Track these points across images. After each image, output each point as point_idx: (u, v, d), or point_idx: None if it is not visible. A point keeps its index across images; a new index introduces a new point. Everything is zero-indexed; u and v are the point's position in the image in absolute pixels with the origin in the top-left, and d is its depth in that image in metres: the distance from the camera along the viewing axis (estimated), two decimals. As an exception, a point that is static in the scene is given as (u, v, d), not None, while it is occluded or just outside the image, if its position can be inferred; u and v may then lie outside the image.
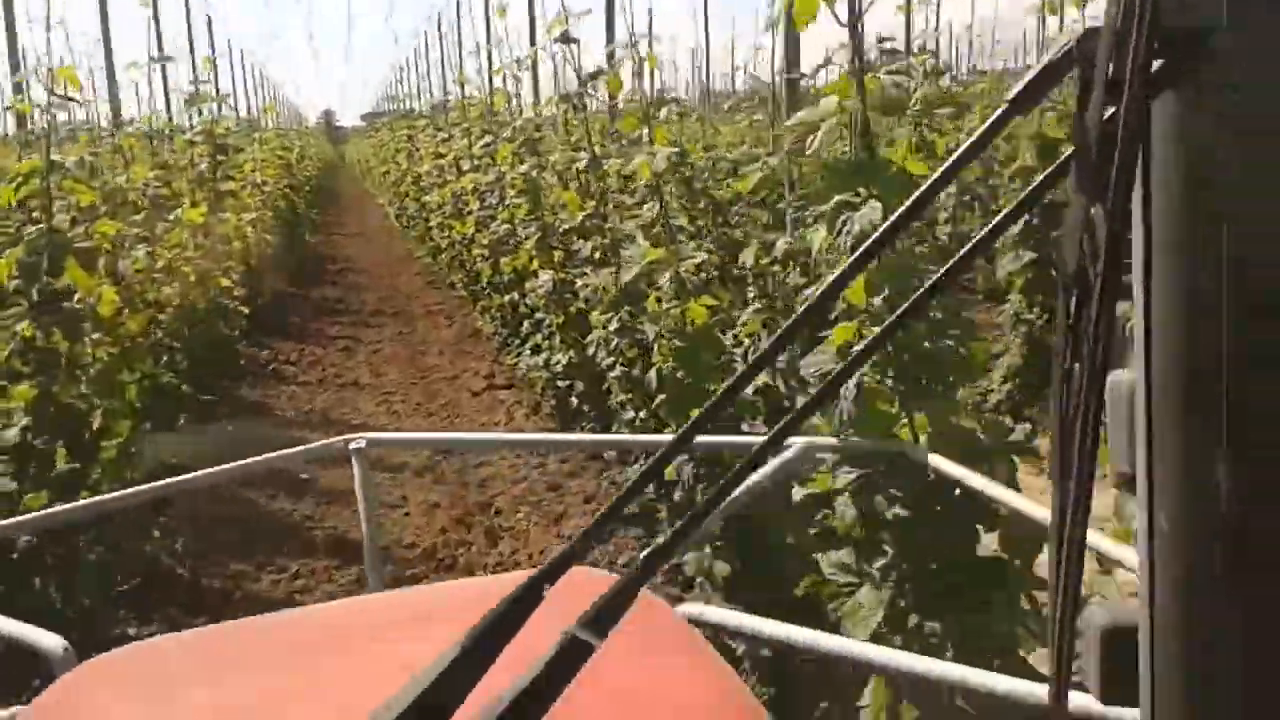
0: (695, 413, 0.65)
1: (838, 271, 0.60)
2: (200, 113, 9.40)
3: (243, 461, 2.04)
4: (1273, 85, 0.52)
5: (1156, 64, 0.53)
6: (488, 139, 8.72)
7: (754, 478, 1.73)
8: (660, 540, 0.64)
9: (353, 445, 1.94)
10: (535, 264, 6.80)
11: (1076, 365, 0.58)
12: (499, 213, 8.08)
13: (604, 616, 0.56)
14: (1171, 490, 0.60)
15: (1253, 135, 0.52)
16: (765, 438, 0.67)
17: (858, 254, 0.59)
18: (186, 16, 16.67)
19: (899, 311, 0.59)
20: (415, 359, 9.19)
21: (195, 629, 1.27)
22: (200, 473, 2.22)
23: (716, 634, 1.34)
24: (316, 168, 30.28)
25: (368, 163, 29.55)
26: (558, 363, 6.27)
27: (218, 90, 11.01)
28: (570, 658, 0.52)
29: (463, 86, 11.62)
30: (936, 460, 1.86)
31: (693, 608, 1.32)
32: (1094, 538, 1.49)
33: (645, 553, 0.63)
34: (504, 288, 8.14)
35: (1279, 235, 0.55)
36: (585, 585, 0.59)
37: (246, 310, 8.74)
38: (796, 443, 1.85)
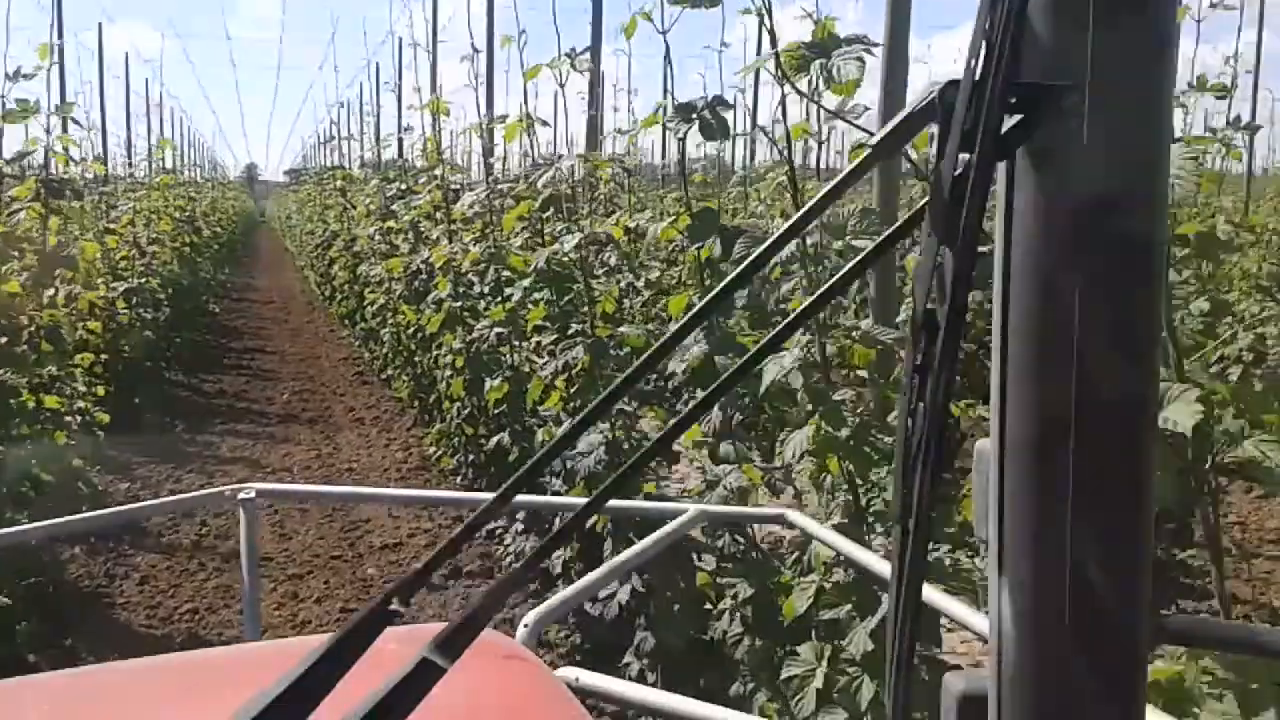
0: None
1: (676, 325, 0.65)
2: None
3: (126, 507, 2.03)
4: (1121, 148, 0.58)
5: (1014, 119, 0.59)
6: (474, 197, 6.87)
7: (647, 541, 1.80)
8: (499, 579, 0.66)
9: (241, 495, 1.94)
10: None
11: (920, 404, 0.62)
12: (499, 309, 6.03)
13: (455, 641, 0.58)
14: (1021, 551, 0.64)
15: (1102, 191, 0.58)
16: (587, 499, 0.70)
17: (696, 308, 0.64)
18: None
19: (743, 360, 0.63)
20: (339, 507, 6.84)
21: None
22: (76, 517, 2.22)
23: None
24: (232, 223, 29.63)
25: (289, 220, 29.05)
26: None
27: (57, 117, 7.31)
28: (419, 680, 0.54)
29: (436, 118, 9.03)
30: (799, 519, 1.96)
31: (569, 672, 1.34)
32: (943, 599, 1.58)
33: (487, 588, 0.65)
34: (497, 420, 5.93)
35: (1121, 300, 0.61)
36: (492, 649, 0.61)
37: (104, 418, 6.80)
38: (689, 508, 1.91)
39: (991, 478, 0.69)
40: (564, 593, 1.72)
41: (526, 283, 5.72)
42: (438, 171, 8.23)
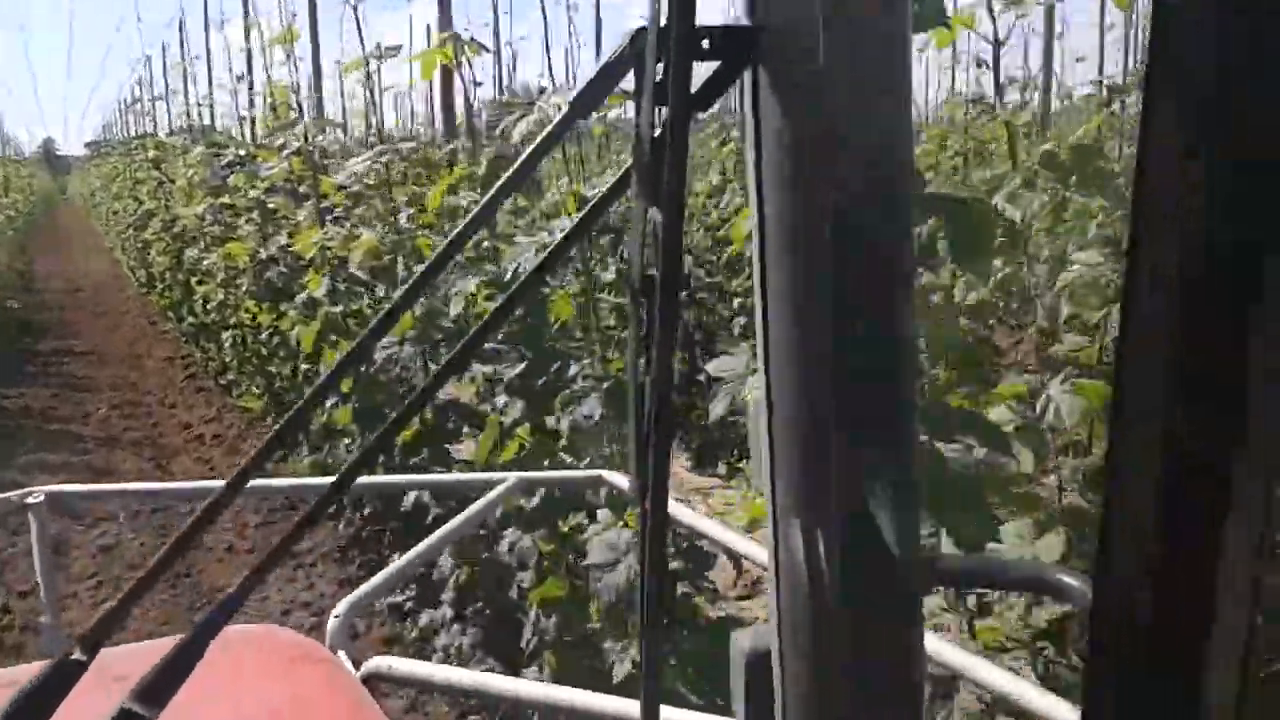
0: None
1: (410, 282, 0.62)
2: None
3: None
4: (853, 92, 0.56)
5: (711, 65, 0.57)
6: (364, 161, 5.34)
7: (463, 516, 1.79)
8: (226, 595, 0.63)
9: (29, 500, 1.87)
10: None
11: (647, 377, 0.61)
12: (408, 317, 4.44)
13: (158, 686, 0.55)
14: (794, 499, 0.65)
15: (846, 124, 0.57)
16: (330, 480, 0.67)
17: (422, 270, 0.61)
18: None
19: (471, 333, 0.61)
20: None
21: None
22: None
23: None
24: (29, 203, 27.78)
25: (94, 197, 27.29)
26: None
27: None
28: None
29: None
30: (617, 479, 2.01)
31: (381, 661, 1.33)
32: (749, 545, 1.67)
33: (202, 617, 0.62)
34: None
35: (872, 239, 0.60)
36: (265, 643, 0.58)
37: None
38: (509, 477, 1.90)
39: (762, 426, 0.69)
40: (376, 578, 1.70)
41: (471, 285, 4.07)
42: (297, 130, 6.42)
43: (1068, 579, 0.84)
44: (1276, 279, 0.34)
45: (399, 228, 5.20)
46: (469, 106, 7.03)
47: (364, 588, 1.68)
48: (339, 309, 5.44)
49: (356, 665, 1.38)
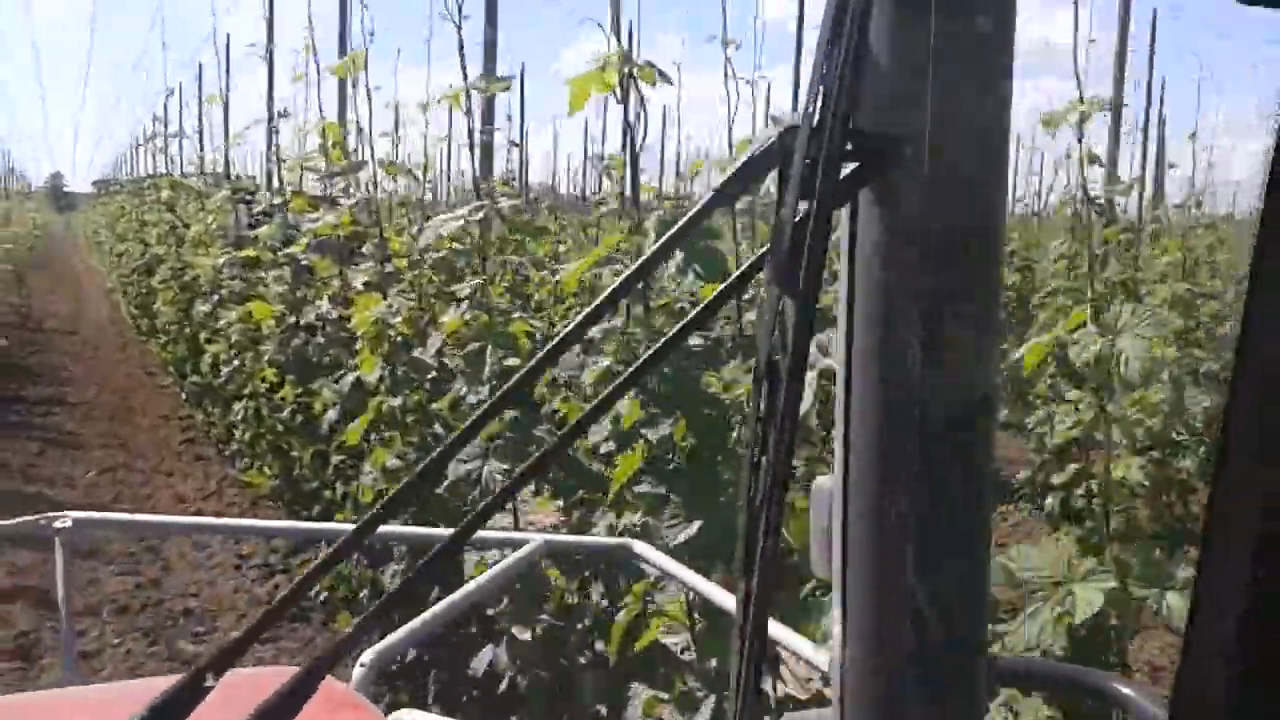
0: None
1: (534, 360, 0.66)
2: None
3: None
4: (955, 193, 0.60)
5: (852, 165, 0.61)
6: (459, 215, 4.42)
7: (488, 575, 1.81)
8: (338, 639, 0.66)
9: (57, 524, 1.89)
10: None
11: (764, 457, 0.64)
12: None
13: (273, 715, 0.57)
14: (865, 592, 0.67)
15: (942, 234, 0.61)
16: (453, 530, 0.70)
17: (551, 344, 0.64)
18: None
19: (595, 402, 0.64)
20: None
21: None
22: None
23: None
24: (31, 238, 27.88)
25: (98, 235, 27.21)
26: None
27: None
28: None
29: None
30: (644, 550, 2.01)
31: (403, 715, 1.34)
32: (787, 634, 1.67)
33: (319, 654, 0.64)
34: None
35: (965, 349, 0.63)
36: (271, 686, 0.60)
37: None
38: (534, 539, 1.92)
39: (835, 515, 0.71)
40: (403, 630, 1.70)
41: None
42: (363, 175, 5.55)
43: (1138, 696, 0.85)
44: None
45: (491, 306, 4.26)
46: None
47: (391, 638, 1.68)
48: (397, 401, 4.62)
49: (383, 715, 1.39)
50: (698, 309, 0.68)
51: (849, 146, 0.65)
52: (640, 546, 2.24)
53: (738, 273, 0.69)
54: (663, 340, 0.69)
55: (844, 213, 0.70)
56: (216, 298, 8.36)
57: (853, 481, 0.70)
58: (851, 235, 0.68)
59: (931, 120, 0.64)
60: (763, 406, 0.67)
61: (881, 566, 0.70)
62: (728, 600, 2.07)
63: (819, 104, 0.62)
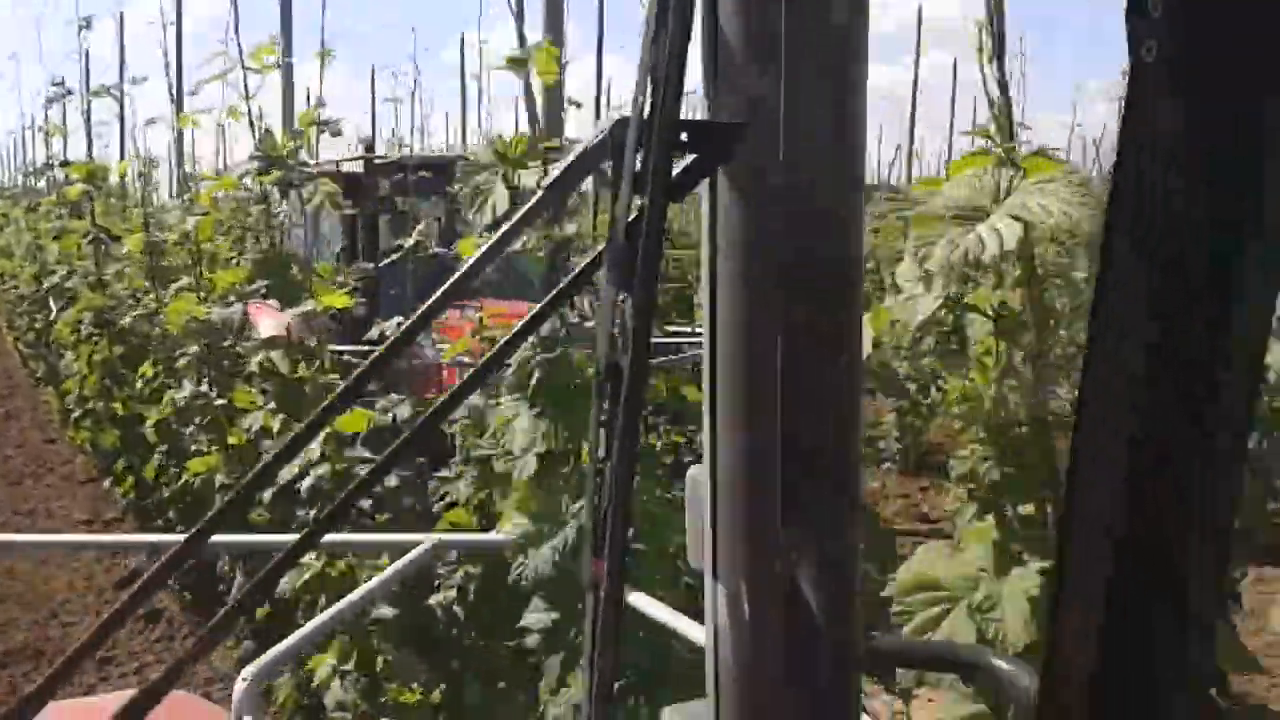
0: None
1: (368, 361, 0.64)
2: None
3: None
4: (816, 178, 0.60)
5: (689, 158, 0.60)
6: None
7: (375, 581, 1.80)
8: (175, 661, 0.64)
9: None
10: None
11: (609, 461, 0.63)
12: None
13: None
14: (736, 576, 0.67)
15: (800, 221, 0.61)
16: (298, 537, 0.69)
17: (391, 340, 0.63)
18: None
19: (433, 408, 0.63)
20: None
21: None
22: None
23: None
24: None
25: None
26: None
27: None
28: None
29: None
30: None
31: None
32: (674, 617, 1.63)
33: (157, 677, 0.62)
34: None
35: (826, 335, 0.63)
36: (184, 713, 0.58)
37: None
38: (426, 540, 1.90)
39: (705, 503, 0.72)
40: (284, 643, 1.66)
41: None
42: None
43: (1012, 668, 0.87)
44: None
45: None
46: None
47: (272, 652, 1.64)
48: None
49: None
50: (535, 309, 0.67)
51: (684, 138, 0.64)
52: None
53: (575, 271, 0.68)
54: (502, 342, 0.68)
55: (704, 203, 0.70)
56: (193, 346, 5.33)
57: (720, 467, 0.70)
58: (711, 226, 0.68)
59: (786, 107, 0.64)
60: (604, 411, 0.66)
61: (752, 554, 0.70)
62: (674, 618, 2.07)
63: (647, 96, 0.62)
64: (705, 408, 0.71)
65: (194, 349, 5.28)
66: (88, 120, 13.48)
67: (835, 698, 0.71)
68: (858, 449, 0.71)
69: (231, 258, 6.36)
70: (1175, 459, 0.43)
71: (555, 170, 0.65)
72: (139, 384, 6.39)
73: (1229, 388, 0.43)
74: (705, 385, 0.70)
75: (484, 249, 0.67)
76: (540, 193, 0.66)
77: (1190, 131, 0.41)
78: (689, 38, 0.61)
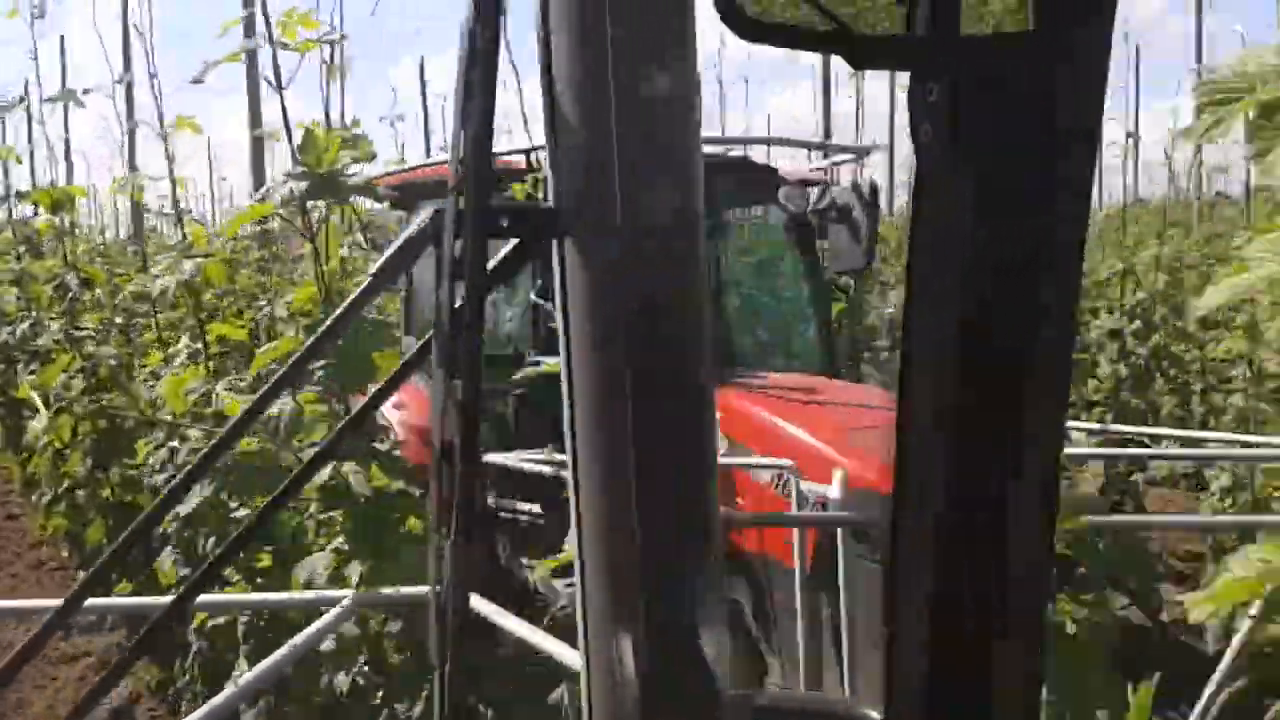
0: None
1: (218, 438, 0.65)
2: None
3: None
4: (651, 251, 0.62)
5: (513, 242, 0.62)
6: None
7: (296, 641, 1.76)
8: None
9: None
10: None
11: (448, 540, 0.65)
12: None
13: None
14: (606, 611, 0.69)
15: (643, 293, 0.63)
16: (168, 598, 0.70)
17: (232, 423, 0.64)
18: None
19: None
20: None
21: None
22: None
23: None
24: None
25: None
26: None
27: None
28: None
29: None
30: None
31: None
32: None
33: None
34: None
35: (680, 407, 0.66)
36: None
37: None
38: (345, 597, 1.88)
39: (577, 567, 0.74)
40: (202, 709, 1.63)
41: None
42: None
43: (864, 712, 0.90)
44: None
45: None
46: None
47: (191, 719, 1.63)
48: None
49: None
50: (375, 390, 0.69)
51: (505, 223, 0.66)
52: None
53: (404, 360, 0.70)
54: (346, 420, 0.70)
55: (554, 269, 0.72)
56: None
57: (583, 499, 0.72)
58: (561, 286, 0.70)
59: (621, 184, 0.66)
60: (443, 486, 0.68)
61: (617, 577, 0.72)
62: (550, 644, 2.10)
63: (460, 185, 0.63)
64: (568, 451, 0.73)
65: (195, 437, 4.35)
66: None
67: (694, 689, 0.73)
68: (712, 488, 0.74)
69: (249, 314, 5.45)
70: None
71: (380, 259, 0.67)
72: (132, 468, 5.41)
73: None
74: (566, 429, 0.73)
75: (318, 333, 0.68)
76: (367, 280, 0.68)
77: (963, 200, 0.45)
78: (492, 127, 0.62)
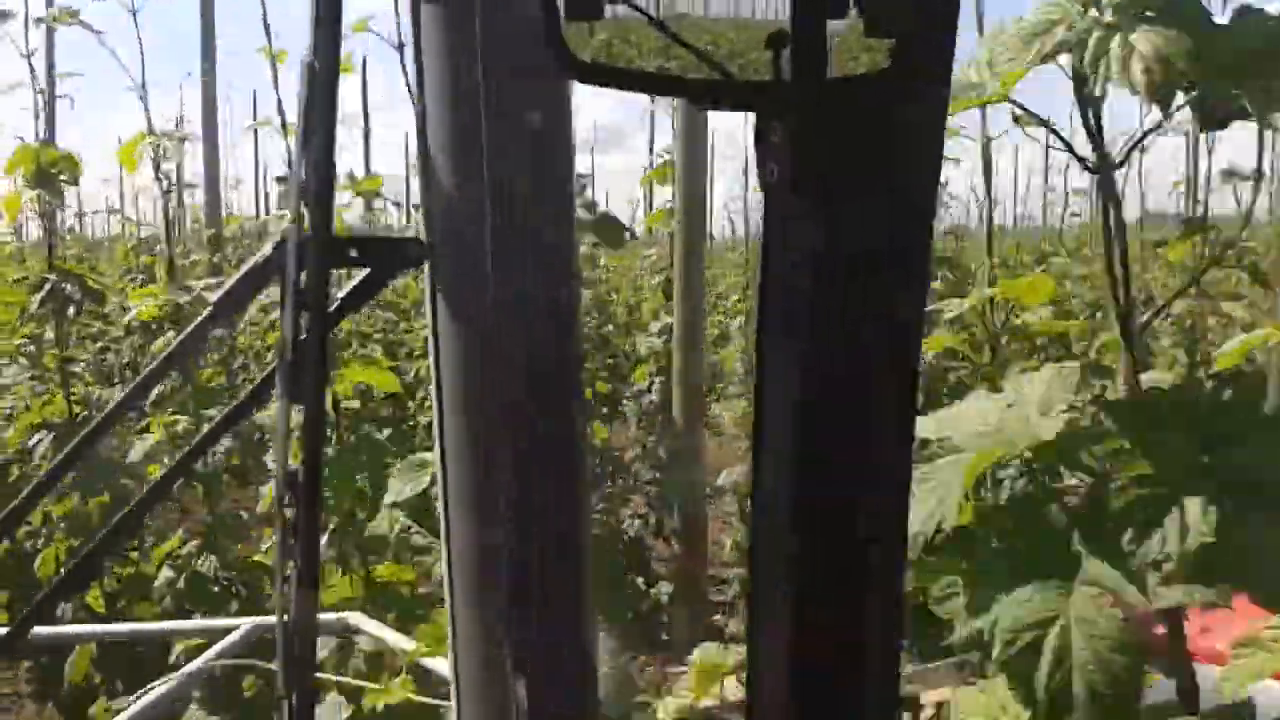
0: None
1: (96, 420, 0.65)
2: None
3: None
4: (523, 277, 0.64)
5: (362, 272, 0.63)
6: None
7: (195, 664, 1.71)
8: None
9: None
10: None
11: (294, 567, 0.65)
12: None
13: None
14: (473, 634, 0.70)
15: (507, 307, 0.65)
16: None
17: (84, 433, 0.64)
18: None
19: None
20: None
21: None
22: None
23: None
24: None
25: None
26: None
27: None
28: None
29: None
30: (365, 624, 1.99)
31: None
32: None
33: None
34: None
35: (551, 425, 0.67)
36: None
37: None
38: (241, 625, 1.83)
39: (442, 552, 0.75)
40: None
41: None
42: None
43: None
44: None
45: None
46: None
47: None
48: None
49: None
50: (221, 416, 0.69)
51: (354, 253, 0.67)
52: (356, 618, 2.20)
53: (246, 392, 0.70)
54: (186, 450, 0.69)
55: (427, 310, 0.73)
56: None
57: (452, 518, 0.73)
58: (434, 328, 0.71)
59: (492, 209, 0.67)
60: (286, 517, 0.68)
61: (483, 626, 0.73)
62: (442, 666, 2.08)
63: (303, 214, 0.64)
64: (438, 474, 0.74)
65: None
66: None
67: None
68: (587, 508, 0.75)
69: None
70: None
71: (222, 288, 0.67)
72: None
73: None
74: (439, 481, 0.73)
75: (154, 364, 0.68)
76: (209, 309, 0.68)
77: (810, 235, 0.47)
78: (333, 160, 0.63)
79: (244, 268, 0.65)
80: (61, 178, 4.03)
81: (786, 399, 0.48)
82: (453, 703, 0.79)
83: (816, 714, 0.50)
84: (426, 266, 0.71)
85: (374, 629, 2.16)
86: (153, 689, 1.84)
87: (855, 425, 0.48)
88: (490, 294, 0.69)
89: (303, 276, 0.64)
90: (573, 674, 0.76)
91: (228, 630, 2.01)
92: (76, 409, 4.10)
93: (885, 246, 0.47)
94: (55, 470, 0.77)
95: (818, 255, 0.47)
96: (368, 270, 0.68)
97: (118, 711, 2.42)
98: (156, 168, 4.73)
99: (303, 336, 0.64)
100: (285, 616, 0.67)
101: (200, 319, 0.66)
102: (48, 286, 4.13)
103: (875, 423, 0.48)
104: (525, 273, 0.69)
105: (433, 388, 0.75)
